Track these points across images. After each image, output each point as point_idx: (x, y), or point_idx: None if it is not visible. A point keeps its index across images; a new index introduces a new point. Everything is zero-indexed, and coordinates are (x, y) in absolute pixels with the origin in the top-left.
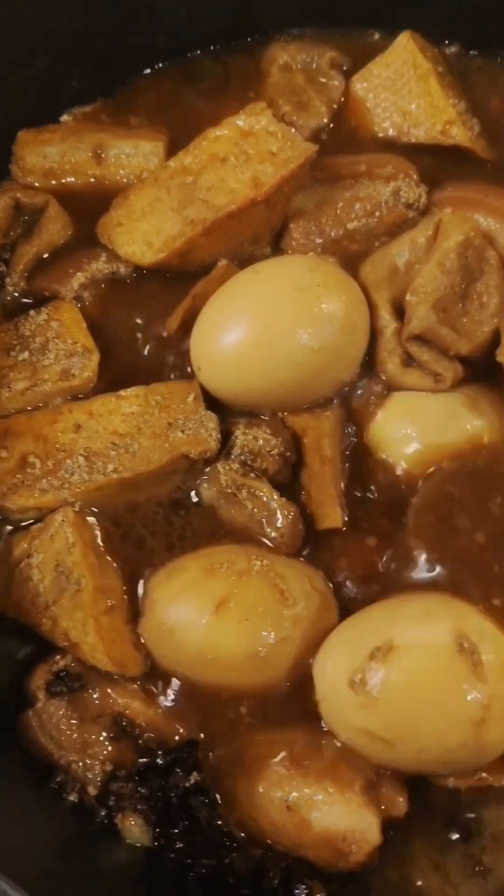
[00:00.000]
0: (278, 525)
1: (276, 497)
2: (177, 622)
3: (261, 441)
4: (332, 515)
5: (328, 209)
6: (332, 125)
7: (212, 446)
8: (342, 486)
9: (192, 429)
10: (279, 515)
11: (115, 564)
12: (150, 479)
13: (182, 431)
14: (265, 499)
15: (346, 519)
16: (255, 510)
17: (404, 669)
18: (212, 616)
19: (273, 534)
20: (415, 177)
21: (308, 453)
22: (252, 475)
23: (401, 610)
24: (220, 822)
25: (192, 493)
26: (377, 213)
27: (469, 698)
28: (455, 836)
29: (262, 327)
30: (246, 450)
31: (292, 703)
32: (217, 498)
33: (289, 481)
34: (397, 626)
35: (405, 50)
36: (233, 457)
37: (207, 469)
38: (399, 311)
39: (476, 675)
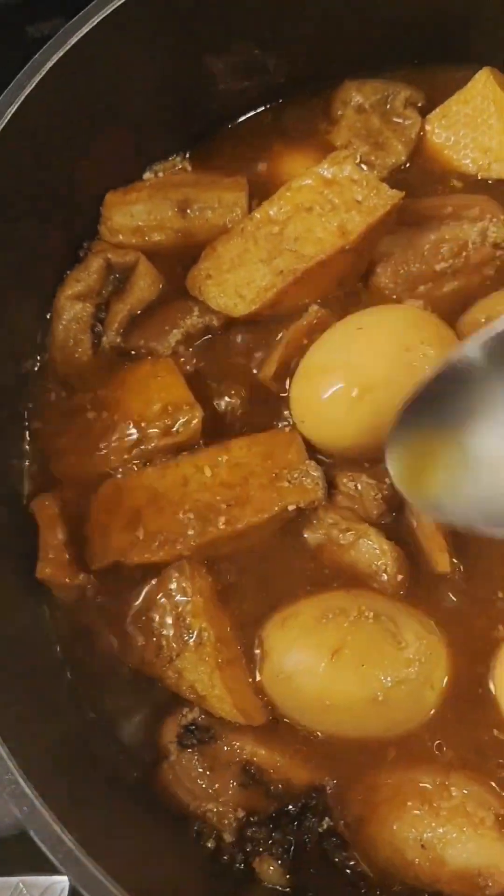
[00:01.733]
0: (386, 568)
1: (383, 540)
2: (294, 670)
3: (364, 486)
4: (441, 561)
5: (415, 251)
6: (409, 164)
7: (319, 496)
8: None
9: (298, 479)
10: (387, 558)
11: (228, 614)
12: (259, 529)
13: (288, 482)
14: (372, 542)
15: (455, 563)
16: (363, 553)
17: None
18: (328, 663)
19: (382, 576)
20: (501, 217)
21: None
22: (357, 519)
23: None
24: (353, 863)
25: (300, 538)
26: (464, 254)
27: None
28: None
29: (368, 386)
30: (350, 495)
31: (415, 744)
32: (324, 541)
33: (392, 525)
34: None
35: (484, 86)
36: (338, 501)
37: (313, 515)
38: None
39: None
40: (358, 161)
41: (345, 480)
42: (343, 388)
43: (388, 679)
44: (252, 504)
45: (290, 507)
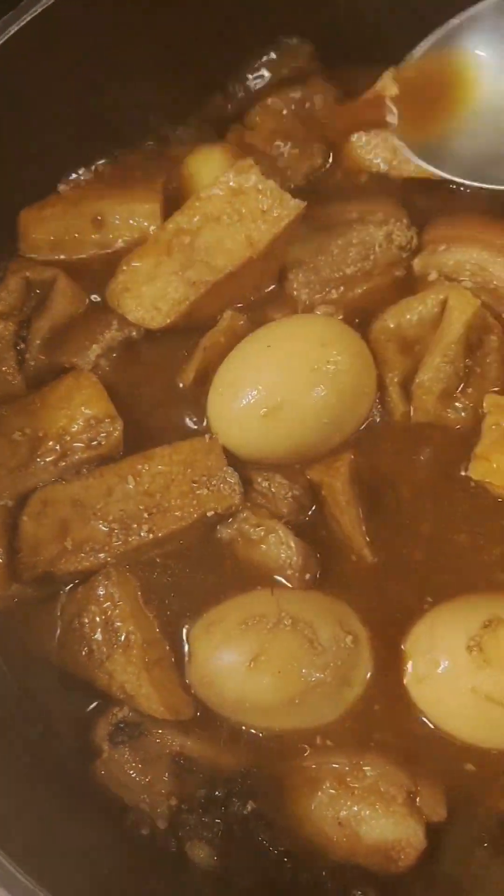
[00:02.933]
0: (291, 562)
1: (290, 536)
2: (216, 674)
3: (275, 487)
4: (364, 553)
5: (325, 256)
6: (327, 165)
7: (235, 501)
8: (363, 527)
9: (216, 485)
10: (293, 553)
11: (154, 616)
12: (180, 535)
13: (207, 488)
14: (280, 538)
15: (374, 558)
16: (271, 548)
17: None
18: (247, 669)
19: (288, 571)
20: (405, 220)
21: (328, 504)
22: (268, 516)
23: (481, 603)
24: (278, 843)
25: (216, 534)
26: (371, 257)
27: None
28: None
29: (276, 405)
30: (263, 493)
31: (335, 731)
32: (235, 536)
33: (304, 523)
34: (499, 607)
35: (392, 86)
36: (252, 499)
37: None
38: (406, 387)
39: None
40: (278, 163)
41: (259, 479)
42: (252, 406)
43: (304, 684)
44: (172, 512)
45: (209, 514)
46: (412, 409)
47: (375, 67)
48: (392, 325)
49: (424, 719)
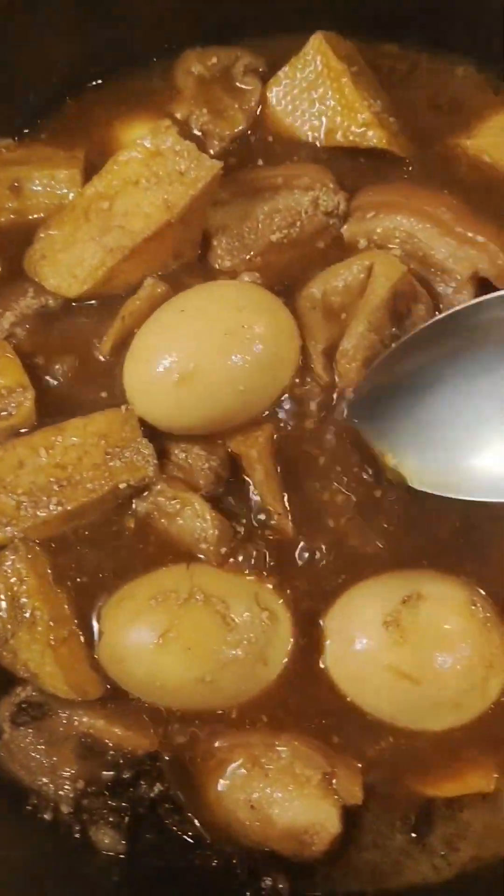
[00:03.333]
0: (207, 536)
1: (206, 509)
2: (125, 652)
3: (193, 458)
4: (283, 527)
5: (250, 223)
6: (251, 132)
7: (148, 473)
8: (284, 501)
9: (129, 457)
10: (209, 526)
11: (65, 593)
12: (91, 507)
13: (120, 460)
14: (196, 511)
15: (294, 532)
16: (187, 521)
17: (432, 612)
18: (155, 646)
19: (203, 545)
20: (331, 185)
21: (249, 474)
22: (184, 488)
23: (402, 579)
24: (187, 827)
25: (132, 508)
26: (298, 224)
27: (484, 646)
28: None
29: (190, 372)
30: (180, 465)
31: (252, 710)
32: (152, 510)
33: (223, 497)
34: (419, 584)
35: (317, 52)
36: (168, 471)
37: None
38: (331, 356)
39: (489, 627)
40: (196, 131)
41: (176, 451)
42: (165, 374)
43: (216, 661)
44: (84, 484)
45: (122, 486)
46: (336, 377)
47: (300, 36)
48: (317, 293)
49: (343, 699)
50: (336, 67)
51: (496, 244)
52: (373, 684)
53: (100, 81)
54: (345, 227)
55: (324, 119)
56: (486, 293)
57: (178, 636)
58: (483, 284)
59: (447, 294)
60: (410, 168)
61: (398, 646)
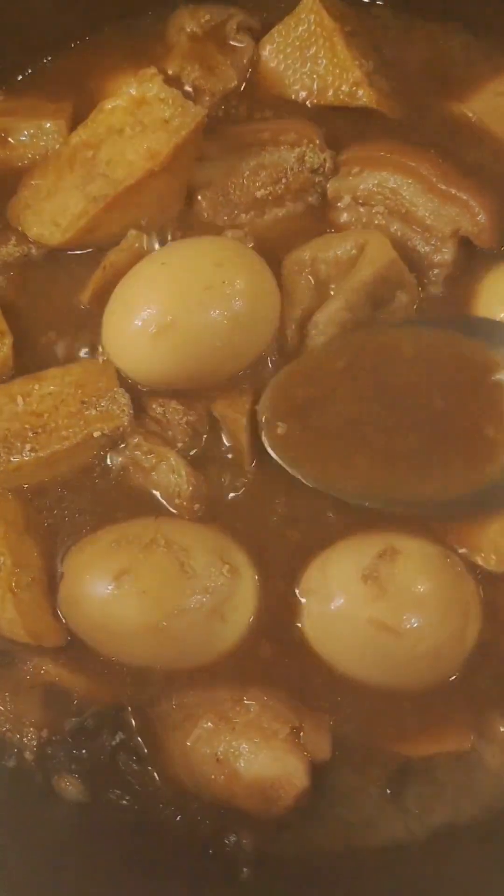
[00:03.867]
0: (180, 491)
1: (182, 464)
2: (81, 594)
3: (170, 413)
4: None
5: (235, 178)
6: (243, 89)
7: (123, 422)
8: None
9: (105, 406)
10: (183, 481)
11: (35, 541)
12: (66, 456)
13: (95, 409)
14: (172, 466)
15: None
16: (162, 476)
17: (408, 565)
18: (112, 588)
19: (176, 500)
20: (317, 142)
21: (233, 438)
22: (161, 443)
23: (375, 539)
24: (148, 779)
25: (107, 461)
26: (283, 181)
27: (459, 596)
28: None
29: (167, 324)
30: (157, 419)
31: (220, 667)
32: (128, 463)
33: (199, 455)
34: (393, 541)
35: (311, 10)
36: (145, 425)
37: (120, 439)
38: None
39: (463, 578)
40: (188, 87)
41: (154, 405)
42: (143, 325)
43: (170, 608)
44: (59, 432)
45: (96, 434)
46: (303, 347)
47: None
48: (307, 257)
49: (319, 660)
50: (329, 26)
51: (478, 203)
52: (352, 640)
53: (89, 38)
54: (329, 183)
55: (315, 78)
56: (467, 253)
57: (135, 579)
58: (466, 245)
59: (427, 252)
60: (399, 130)
61: (378, 599)
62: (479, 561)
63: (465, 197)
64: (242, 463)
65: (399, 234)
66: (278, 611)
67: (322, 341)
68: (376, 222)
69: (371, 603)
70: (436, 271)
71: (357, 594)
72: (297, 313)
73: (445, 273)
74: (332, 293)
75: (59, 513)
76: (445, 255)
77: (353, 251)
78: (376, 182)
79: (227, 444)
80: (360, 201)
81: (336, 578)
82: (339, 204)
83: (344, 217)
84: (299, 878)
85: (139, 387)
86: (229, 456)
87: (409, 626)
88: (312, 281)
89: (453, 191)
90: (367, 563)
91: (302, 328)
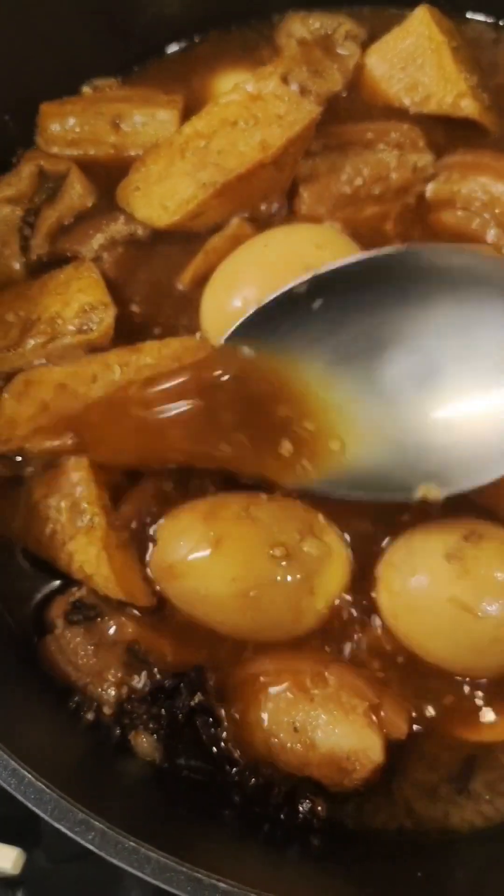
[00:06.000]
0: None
1: None
2: (174, 559)
3: None
4: None
5: (338, 174)
6: (346, 94)
7: None
8: None
9: None
10: None
11: (129, 506)
12: None
13: None
14: None
15: None
16: None
17: (493, 549)
18: (205, 555)
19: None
20: (420, 144)
21: None
22: None
23: (461, 524)
24: (223, 742)
25: None
26: (384, 180)
27: None
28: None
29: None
30: None
31: (301, 641)
32: None
33: None
34: (478, 527)
35: (421, 23)
36: None
37: None
38: None
39: None
40: (294, 86)
41: None
42: (242, 304)
43: (261, 578)
44: None
45: None
46: None
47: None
48: None
49: (397, 639)
50: (438, 39)
51: None
52: (431, 617)
53: (200, 38)
54: (429, 185)
55: (420, 87)
56: None
57: (228, 548)
58: None
59: None
60: (497, 142)
61: (460, 578)
62: None
63: None
64: None
65: (497, 240)
66: (364, 588)
67: None
68: (473, 226)
69: (454, 581)
70: None
71: (440, 572)
72: None
73: None
74: None
75: (153, 482)
76: None
77: None
78: (476, 187)
79: None
80: (460, 205)
81: (420, 555)
82: (438, 206)
83: (443, 219)
84: (363, 851)
85: None
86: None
87: (489, 608)
88: None
89: None
90: (453, 543)
91: None
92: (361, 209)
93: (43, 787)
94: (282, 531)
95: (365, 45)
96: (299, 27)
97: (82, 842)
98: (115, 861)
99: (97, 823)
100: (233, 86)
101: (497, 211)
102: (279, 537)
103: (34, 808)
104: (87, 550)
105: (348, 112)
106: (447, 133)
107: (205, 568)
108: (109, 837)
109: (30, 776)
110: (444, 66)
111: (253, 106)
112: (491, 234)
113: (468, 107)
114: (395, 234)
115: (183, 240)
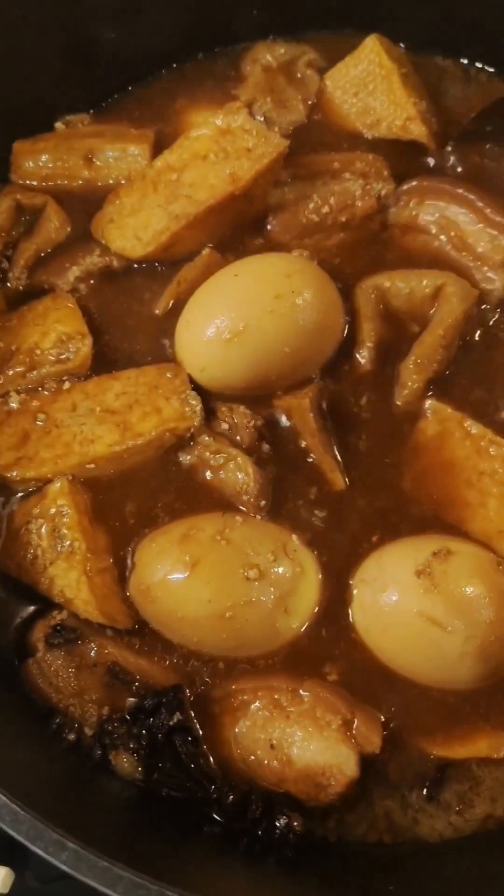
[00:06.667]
0: (248, 488)
1: (248, 464)
2: (152, 581)
3: (237, 417)
4: (335, 480)
5: (305, 203)
6: (311, 120)
7: (195, 422)
8: (336, 451)
9: (178, 407)
10: (250, 480)
11: (105, 531)
12: (138, 453)
13: (169, 410)
14: (239, 465)
15: (347, 481)
16: (230, 475)
17: (461, 565)
18: (182, 577)
19: (244, 497)
20: (385, 173)
21: (299, 430)
22: (229, 444)
23: (432, 539)
24: (202, 760)
25: (178, 459)
26: (349, 207)
27: None
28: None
29: (240, 331)
30: (224, 423)
31: (275, 659)
32: (196, 462)
33: (267, 454)
34: (448, 543)
35: (371, 51)
36: (213, 427)
37: (190, 439)
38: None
39: None
40: (259, 117)
41: (223, 409)
42: (216, 332)
43: (237, 599)
44: (132, 429)
45: (168, 434)
46: (400, 391)
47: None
48: (387, 285)
49: (368, 652)
50: (388, 66)
51: None
52: (402, 632)
53: (167, 70)
54: (392, 210)
55: (371, 112)
56: None
57: (204, 570)
58: None
59: (478, 280)
60: (446, 165)
61: (430, 594)
62: None
63: None
64: (316, 455)
65: (456, 263)
66: (337, 606)
67: (420, 385)
68: (435, 245)
69: (423, 597)
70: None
71: (410, 587)
72: (372, 334)
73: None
74: (413, 329)
75: (129, 507)
76: (496, 282)
77: (427, 289)
78: (435, 211)
79: (292, 445)
80: (420, 229)
81: (391, 571)
82: (403, 230)
83: (408, 243)
84: (341, 864)
85: (210, 392)
86: (292, 456)
87: (457, 623)
88: (382, 308)
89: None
90: (423, 559)
91: (378, 353)
92: (328, 236)
93: (17, 808)
94: (256, 552)
95: (323, 72)
96: (265, 53)
97: (55, 862)
98: (87, 881)
99: (70, 844)
100: (202, 120)
101: (453, 234)
102: (253, 559)
103: (8, 830)
104: (67, 575)
105: (316, 138)
106: (401, 155)
107: (181, 590)
108: (82, 857)
109: (4, 797)
110: (393, 91)
111: (222, 139)
112: (453, 256)
113: (416, 130)
114: (364, 261)
115: (157, 270)
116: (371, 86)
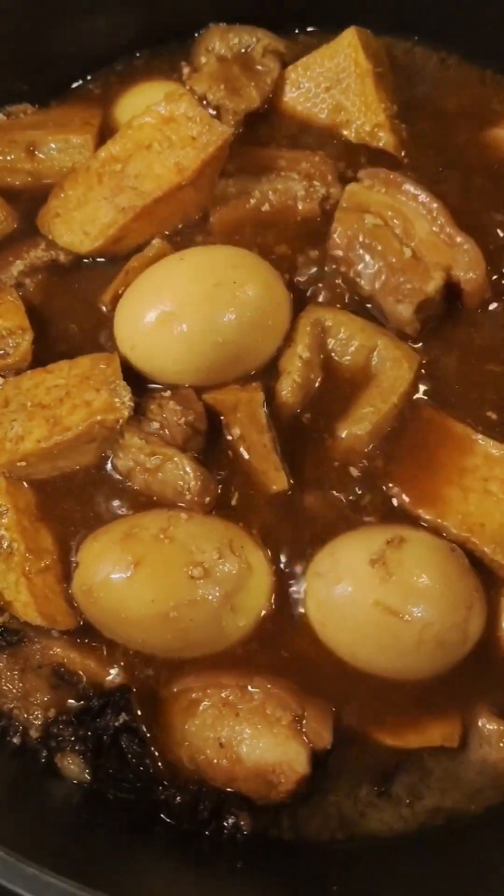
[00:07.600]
0: (189, 487)
1: (186, 462)
2: (94, 582)
3: (167, 413)
4: (278, 480)
5: (246, 198)
6: (264, 112)
7: (123, 413)
8: (279, 451)
9: (107, 398)
10: (190, 479)
11: (49, 530)
12: (69, 448)
13: (98, 401)
14: (177, 465)
15: (291, 481)
16: (169, 475)
17: (415, 552)
18: (125, 577)
19: (187, 496)
20: (330, 177)
21: (243, 426)
22: (162, 444)
23: (384, 529)
24: (149, 761)
25: (113, 463)
26: (290, 206)
27: (464, 588)
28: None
29: (178, 315)
30: (155, 421)
31: (225, 656)
32: (132, 467)
33: (203, 450)
34: (401, 531)
35: (349, 45)
36: (143, 427)
37: (121, 442)
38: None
39: (468, 572)
40: (211, 111)
41: (153, 407)
42: (147, 310)
43: (181, 597)
44: (62, 422)
45: (97, 426)
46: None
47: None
48: (329, 324)
49: (321, 647)
50: (364, 66)
51: (473, 258)
52: (358, 623)
53: (118, 61)
54: (347, 187)
55: (342, 112)
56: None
57: (147, 570)
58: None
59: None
60: (411, 174)
61: (384, 582)
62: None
63: (466, 246)
64: (257, 454)
65: (392, 260)
66: (289, 602)
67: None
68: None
69: (378, 586)
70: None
71: (364, 577)
72: (305, 356)
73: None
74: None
75: (72, 506)
76: (429, 287)
77: (353, 345)
78: (390, 200)
79: (230, 436)
80: (370, 210)
81: (344, 562)
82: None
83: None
84: (295, 862)
85: (143, 377)
86: (230, 449)
87: (413, 611)
88: (317, 342)
89: (458, 238)
90: (376, 548)
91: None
92: (264, 233)
93: None
94: (200, 550)
95: (286, 63)
96: (218, 42)
97: None
98: (15, 888)
99: None
100: (145, 108)
101: (402, 226)
102: (197, 557)
103: None
104: (6, 577)
105: (265, 131)
106: (360, 158)
107: (124, 591)
108: (9, 864)
109: None
110: (366, 93)
111: (166, 128)
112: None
113: (384, 138)
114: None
115: (106, 263)
116: (343, 83)
